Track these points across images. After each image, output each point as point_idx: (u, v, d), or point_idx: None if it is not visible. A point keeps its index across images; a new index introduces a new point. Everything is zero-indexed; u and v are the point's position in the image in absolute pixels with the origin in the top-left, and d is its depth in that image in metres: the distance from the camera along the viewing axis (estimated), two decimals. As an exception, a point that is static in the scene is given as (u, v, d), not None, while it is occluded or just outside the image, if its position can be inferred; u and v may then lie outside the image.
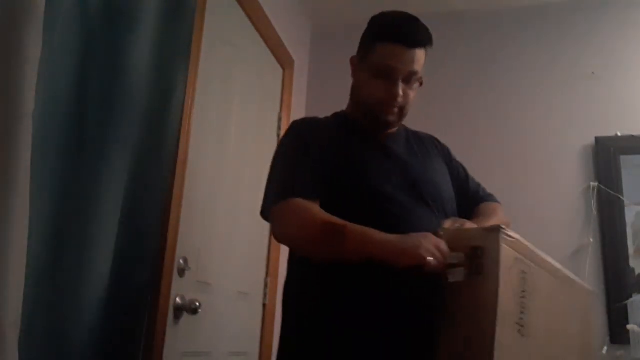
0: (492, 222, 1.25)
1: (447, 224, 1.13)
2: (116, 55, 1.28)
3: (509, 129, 2.66)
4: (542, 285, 1.02)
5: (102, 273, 1.22)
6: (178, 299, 1.61)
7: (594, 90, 2.60)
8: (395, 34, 1.27)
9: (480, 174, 2.74)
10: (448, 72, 2.78)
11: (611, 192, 2.43)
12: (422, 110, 2.78)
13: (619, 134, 2.49)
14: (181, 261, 1.64)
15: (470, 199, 1.47)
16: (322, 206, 1.20)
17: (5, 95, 0.89)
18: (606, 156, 2.49)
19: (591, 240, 2.41)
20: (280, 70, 2.61)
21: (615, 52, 2.64)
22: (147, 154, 1.40)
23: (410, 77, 1.28)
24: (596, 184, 2.46)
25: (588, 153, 2.54)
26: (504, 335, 0.91)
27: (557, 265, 1.13)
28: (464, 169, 1.54)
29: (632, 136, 2.47)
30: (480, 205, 1.46)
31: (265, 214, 1.28)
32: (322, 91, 2.90)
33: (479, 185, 1.55)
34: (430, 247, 1.03)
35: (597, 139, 2.52)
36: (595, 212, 2.44)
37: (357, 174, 1.25)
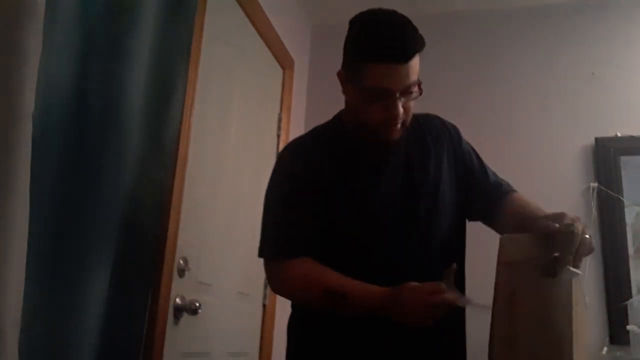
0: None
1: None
2: (116, 55, 1.28)
3: (509, 130, 2.66)
4: (579, 296, 1.07)
5: (102, 273, 1.22)
6: (178, 300, 1.61)
7: (594, 90, 2.60)
8: (383, 53, 1.13)
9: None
10: (447, 73, 2.78)
11: (611, 192, 2.43)
12: (420, 110, 2.79)
13: (619, 135, 2.49)
14: (181, 261, 1.64)
15: (490, 192, 1.38)
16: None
17: (5, 96, 0.89)
18: (606, 157, 2.49)
19: (591, 240, 2.41)
20: (280, 70, 2.61)
21: (615, 52, 2.64)
22: (147, 154, 1.39)
23: (407, 90, 1.17)
24: (596, 184, 2.46)
25: (588, 153, 2.54)
26: (574, 334, 0.96)
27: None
28: (477, 156, 1.43)
29: (632, 137, 2.47)
30: (514, 201, 1.40)
31: (262, 257, 1.30)
32: (322, 91, 2.89)
33: (495, 175, 1.45)
34: (425, 311, 1.07)
35: (597, 140, 2.52)
36: (595, 212, 2.44)
37: (350, 212, 1.24)
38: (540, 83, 2.68)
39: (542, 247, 1.00)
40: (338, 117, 1.38)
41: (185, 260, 1.66)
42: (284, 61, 2.62)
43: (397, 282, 1.12)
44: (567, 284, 0.98)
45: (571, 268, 0.97)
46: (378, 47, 1.14)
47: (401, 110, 1.17)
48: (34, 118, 0.94)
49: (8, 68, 0.90)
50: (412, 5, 3.03)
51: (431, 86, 3.29)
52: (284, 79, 2.63)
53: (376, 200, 1.25)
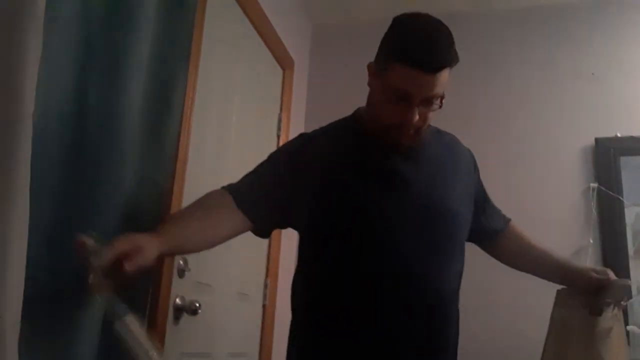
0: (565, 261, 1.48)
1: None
2: (116, 55, 1.27)
3: (509, 130, 2.66)
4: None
5: (102, 273, 1.22)
6: (178, 300, 1.61)
7: (594, 91, 2.60)
8: (413, 58, 1.14)
9: (480, 175, 2.73)
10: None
11: (611, 193, 2.43)
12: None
13: (619, 135, 2.50)
14: (181, 262, 1.64)
15: (494, 219, 1.50)
16: (318, 245, 1.27)
17: (5, 96, 0.89)
18: (606, 157, 2.49)
19: (591, 241, 2.41)
20: (280, 70, 2.61)
21: (615, 53, 2.64)
22: (147, 154, 1.39)
23: (428, 100, 1.19)
24: (596, 184, 2.46)
25: (588, 154, 2.54)
26: None
27: None
28: (484, 190, 1.53)
29: (632, 137, 2.47)
30: (513, 231, 1.54)
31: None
32: (322, 91, 2.90)
33: (495, 207, 1.56)
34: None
35: (597, 140, 2.52)
36: (595, 213, 2.44)
37: (355, 215, 1.23)
38: (540, 83, 2.68)
39: (592, 294, 1.32)
40: (356, 115, 1.39)
41: (185, 261, 1.66)
42: (284, 61, 2.62)
43: (390, 287, 1.16)
44: (609, 321, 1.29)
45: (616, 312, 1.33)
46: (410, 51, 1.15)
47: (417, 117, 1.18)
48: (34, 118, 0.93)
49: (8, 68, 0.89)
50: (413, 6, 3.03)
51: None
52: (284, 79, 2.63)
53: (388, 204, 1.23)
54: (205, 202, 1.25)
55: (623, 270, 2.34)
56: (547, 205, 2.51)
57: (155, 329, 1.48)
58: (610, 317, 1.31)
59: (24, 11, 0.91)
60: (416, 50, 1.15)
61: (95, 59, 1.23)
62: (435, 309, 1.22)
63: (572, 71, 2.66)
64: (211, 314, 1.81)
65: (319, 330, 1.23)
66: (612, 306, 1.31)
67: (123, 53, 1.29)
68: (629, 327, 2.21)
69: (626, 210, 2.42)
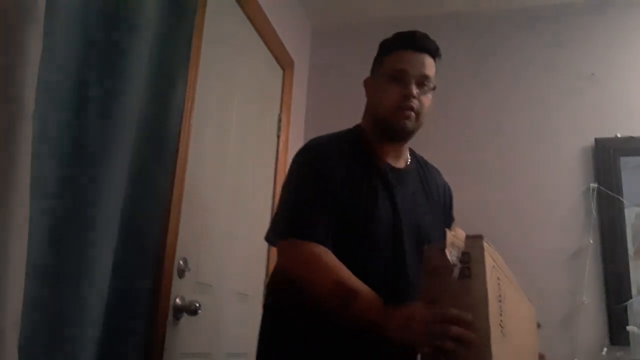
0: None
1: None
2: (116, 55, 1.28)
3: (509, 130, 2.66)
4: (509, 293, 1.09)
5: (101, 273, 1.22)
6: (178, 300, 1.61)
7: (593, 91, 2.60)
8: (403, 42, 1.33)
9: (480, 175, 2.74)
10: (447, 73, 2.76)
11: (611, 193, 2.43)
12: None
13: (619, 135, 2.50)
14: (181, 262, 1.64)
15: None
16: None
17: (5, 96, 0.89)
18: (606, 157, 2.49)
19: (591, 241, 2.41)
20: (280, 70, 2.61)
21: (615, 53, 2.64)
22: (147, 154, 1.39)
23: (422, 82, 1.31)
24: (596, 185, 2.46)
25: (588, 154, 2.54)
26: (495, 332, 0.97)
27: (514, 277, 1.20)
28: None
29: (632, 137, 2.47)
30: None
31: (271, 240, 1.29)
32: (322, 91, 2.90)
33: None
34: (428, 334, 0.98)
35: (597, 140, 2.52)
36: (595, 213, 2.44)
37: (365, 218, 1.24)
38: (540, 83, 2.68)
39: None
40: (356, 127, 1.43)
41: (185, 261, 1.66)
42: (284, 61, 2.62)
43: (390, 295, 1.13)
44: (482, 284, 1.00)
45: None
46: (400, 38, 1.35)
47: (415, 93, 1.28)
48: (34, 118, 0.93)
49: (8, 68, 0.89)
50: (413, 6, 3.03)
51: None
52: (283, 79, 2.63)
53: (393, 212, 1.27)
54: (335, 264, 1.18)
55: (623, 270, 2.35)
56: (547, 205, 2.51)
57: (155, 329, 1.48)
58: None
59: (24, 11, 0.91)
60: (406, 37, 1.35)
61: (95, 60, 1.23)
62: None
63: (572, 71, 2.66)
64: (211, 314, 1.81)
65: (311, 332, 1.21)
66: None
67: (123, 53, 1.29)
68: (628, 327, 2.21)
69: (626, 211, 2.42)
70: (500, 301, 1.02)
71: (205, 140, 1.83)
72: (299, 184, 1.29)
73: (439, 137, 2.62)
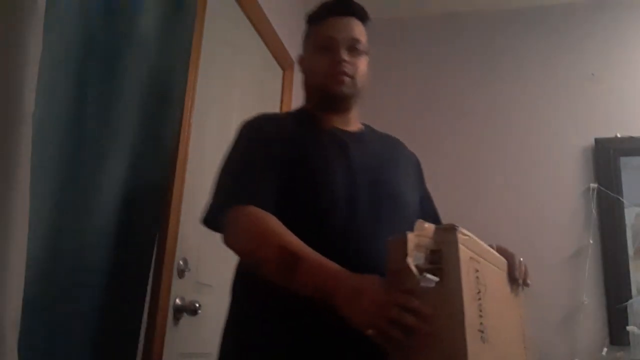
0: None
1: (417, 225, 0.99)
2: (116, 55, 1.28)
3: (509, 131, 2.66)
4: (489, 279, 0.96)
5: (101, 274, 1.22)
6: (178, 300, 1.61)
7: (593, 91, 2.60)
8: (328, 10, 1.31)
9: (480, 175, 2.74)
10: (447, 73, 2.78)
11: (611, 193, 2.43)
12: (421, 111, 2.79)
13: (619, 135, 2.50)
14: (181, 262, 1.64)
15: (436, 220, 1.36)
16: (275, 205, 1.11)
17: (5, 96, 0.89)
18: (606, 157, 2.49)
19: (591, 241, 2.41)
20: (280, 71, 2.61)
21: (614, 53, 2.64)
22: (147, 153, 1.39)
23: (353, 46, 1.27)
24: (596, 185, 2.47)
25: (588, 154, 2.55)
26: (474, 347, 0.85)
27: (492, 250, 1.07)
28: (431, 199, 1.43)
29: (632, 137, 2.48)
30: None
31: (208, 221, 1.18)
32: (322, 92, 2.89)
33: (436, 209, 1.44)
34: (378, 317, 0.88)
35: (597, 140, 2.53)
36: (595, 213, 2.44)
37: (313, 176, 1.17)
38: (540, 83, 2.69)
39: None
40: (299, 108, 1.39)
41: (185, 261, 1.66)
42: (284, 61, 2.62)
43: (350, 260, 1.02)
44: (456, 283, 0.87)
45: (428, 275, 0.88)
46: (323, 7, 1.33)
47: (346, 59, 1.25)
48: (34, 118, 0.93)
49: (8, 68, 0.90)
50: (412, 6, 3.03)
51: (431, 86, 3.30)
52: (283, 79, 2.63)
53: (346, 173, 1.18)
54: (279, 228, 1.08)
55: (623, 270, 2.35)
56: (547, 205, 2.51)
57: (155, 329, 1.48)
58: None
59: (24, 11, 0.91)
60: (329, 4, 1.32)
61: (95, 59, 1.23)
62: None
63: (572, 71, 2.66)
64: (211, 314, 1.81)
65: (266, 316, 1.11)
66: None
67: (123, 53, 1.29)
68: (628, 327, 2.21)
69: (626, 211, 2.42)
70: (479, 299, 0.90)
71: (205, 140, 1.83)
72: (235, 156, 1.23)
73: (439, 137, 2.62)
